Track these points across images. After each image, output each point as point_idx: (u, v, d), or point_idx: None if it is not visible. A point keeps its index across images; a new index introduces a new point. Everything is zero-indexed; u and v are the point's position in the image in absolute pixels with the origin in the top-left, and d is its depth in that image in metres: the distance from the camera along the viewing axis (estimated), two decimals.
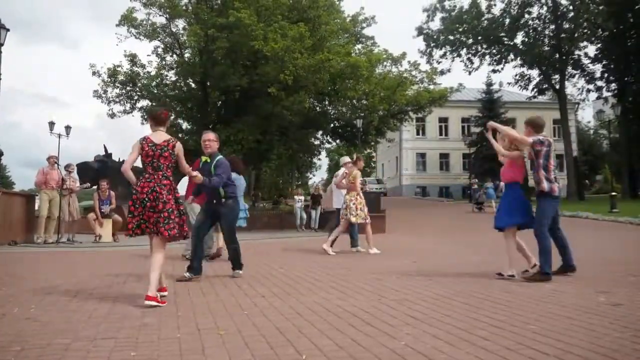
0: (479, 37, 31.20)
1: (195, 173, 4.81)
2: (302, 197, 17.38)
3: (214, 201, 5.48)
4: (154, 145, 4.13)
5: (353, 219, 8.13)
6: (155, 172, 4.12)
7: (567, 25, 29.51)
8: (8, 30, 10.99)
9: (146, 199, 4.05)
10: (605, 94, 31.25)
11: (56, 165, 10.68)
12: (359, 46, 25.66)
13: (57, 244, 10.12)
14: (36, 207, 10.85)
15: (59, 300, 4.08)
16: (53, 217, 10.36)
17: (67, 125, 24.82)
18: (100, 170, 16.19)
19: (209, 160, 5.44)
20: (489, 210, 22.22)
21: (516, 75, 32.85)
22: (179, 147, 4.23)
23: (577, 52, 30.63)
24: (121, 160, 18.04)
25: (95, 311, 3.66)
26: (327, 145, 31.76)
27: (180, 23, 24.30)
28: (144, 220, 4.07)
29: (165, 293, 4.23)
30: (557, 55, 29.77)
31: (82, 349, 2.69)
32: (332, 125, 26.48)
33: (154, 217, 4.04)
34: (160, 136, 4.21)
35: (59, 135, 24.39)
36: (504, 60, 31.92)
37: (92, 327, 3.17)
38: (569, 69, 30.93)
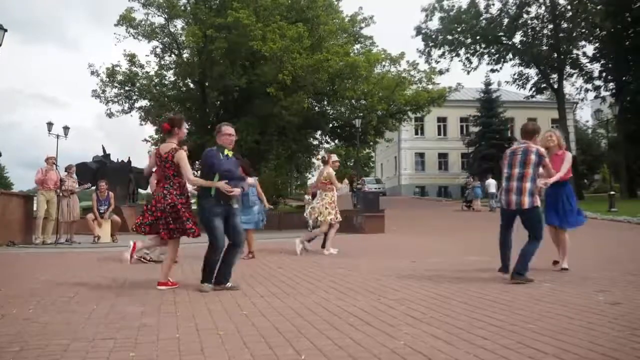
0: (478, 37, 31.23)
1: (221, 184, 4.40)
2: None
3: (228, 201, 4.59)
4: (160, 157, 4.52)
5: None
6: (166, 180, 4.51)
7: (565, 25, 29.56)
8: (6, 30, 10.95)
9: (165, 208, 4.43)
10: (604, 93, 31.25)
11: (54, 166, 10.67)
12: (357, 46, 25.72)
13: (56, 244, 10.11)
14: (34, 208, 10.83)
15: (58, 301, 4.07)
16: (51, 217, 10.35)
17: (66, 125, 24.78)
18: (98, 171, 16.17)
19: (230, 155, 4.75)
20: (477, 209, 22.36)
21: (514, 74, 32.91)
22: (177, 156, 4.43)
23: (575, 51, 30.68)
24: (119, 160, 18.07)
25: (94, 312, 3.66)
26: (326, 146, 31.77)
27: (179, 23, 24.40)
28: (158, 222, 4.48)
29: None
30: (555, 55, 29.80)
31: (81, 350, 2.69)
32: (330, 125, 26.50)
33: (175, 225, 4.48)
34: (167, 147, 4.51)
35: (57, 136, 24.35)
36: (502, 60, 31.92)
37: (91, 328, 3.16)
38: (567, 68, 30.94)
